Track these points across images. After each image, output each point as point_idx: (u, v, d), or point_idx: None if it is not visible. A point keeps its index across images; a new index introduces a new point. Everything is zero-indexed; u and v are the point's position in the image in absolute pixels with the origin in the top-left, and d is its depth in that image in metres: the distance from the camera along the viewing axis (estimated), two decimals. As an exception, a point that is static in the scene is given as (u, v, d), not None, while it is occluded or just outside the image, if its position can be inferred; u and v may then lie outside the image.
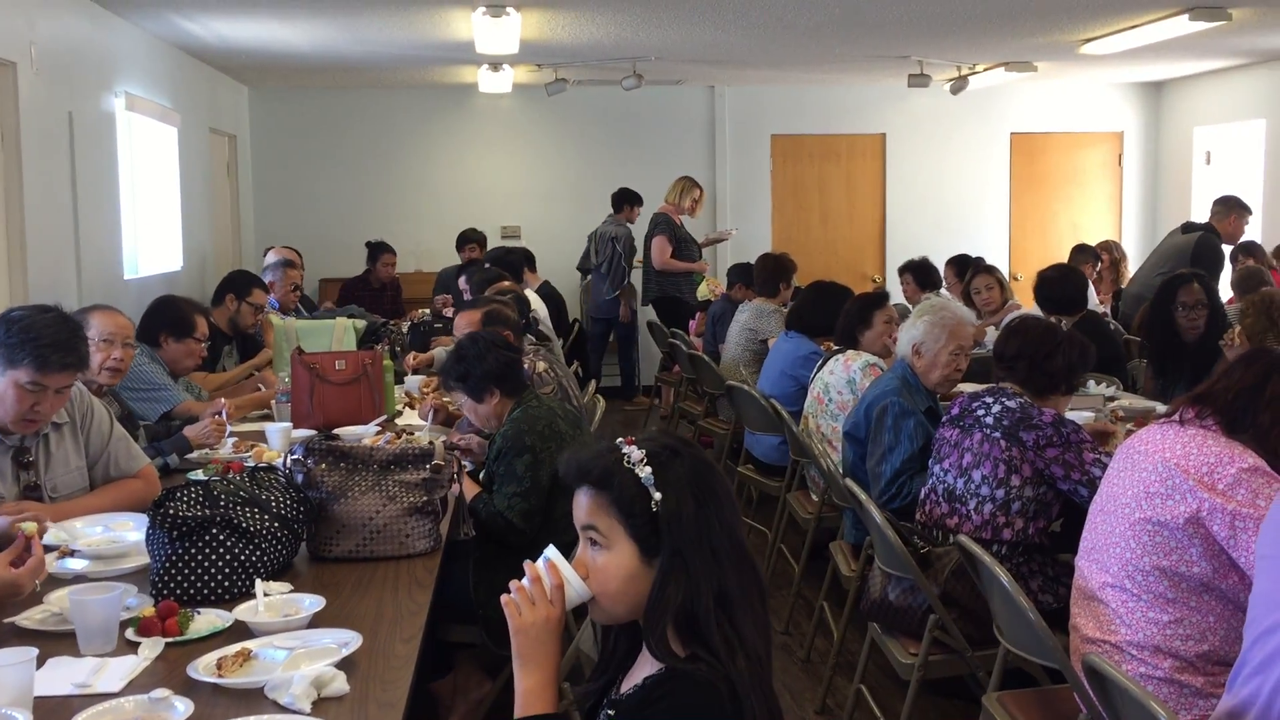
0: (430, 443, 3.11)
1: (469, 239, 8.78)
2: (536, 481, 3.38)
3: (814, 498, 4.72)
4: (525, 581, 1.73)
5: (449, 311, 7.17)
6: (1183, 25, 6.70)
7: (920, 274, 7.74)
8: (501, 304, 4.77)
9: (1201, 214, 10.15)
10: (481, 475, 3.58)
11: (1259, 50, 8.52)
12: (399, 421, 4.60)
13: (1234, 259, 7.76)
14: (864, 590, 3.57)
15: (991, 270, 7.06)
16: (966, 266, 7.40)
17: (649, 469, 1.68)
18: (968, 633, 3.16)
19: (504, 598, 1.74)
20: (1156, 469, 2.55)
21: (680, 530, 1.67)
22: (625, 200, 9.04)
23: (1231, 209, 7.56)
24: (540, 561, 1.74)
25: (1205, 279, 5.15)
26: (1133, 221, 10.70)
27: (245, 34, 7.04)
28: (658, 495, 1.67)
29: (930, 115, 10.34)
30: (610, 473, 1.69)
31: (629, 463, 1.69)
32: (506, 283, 6.19)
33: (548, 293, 7.40)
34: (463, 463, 3.65)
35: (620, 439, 1.75)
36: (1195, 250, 6.95)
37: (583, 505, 1.72)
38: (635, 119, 10.16)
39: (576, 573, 1.71)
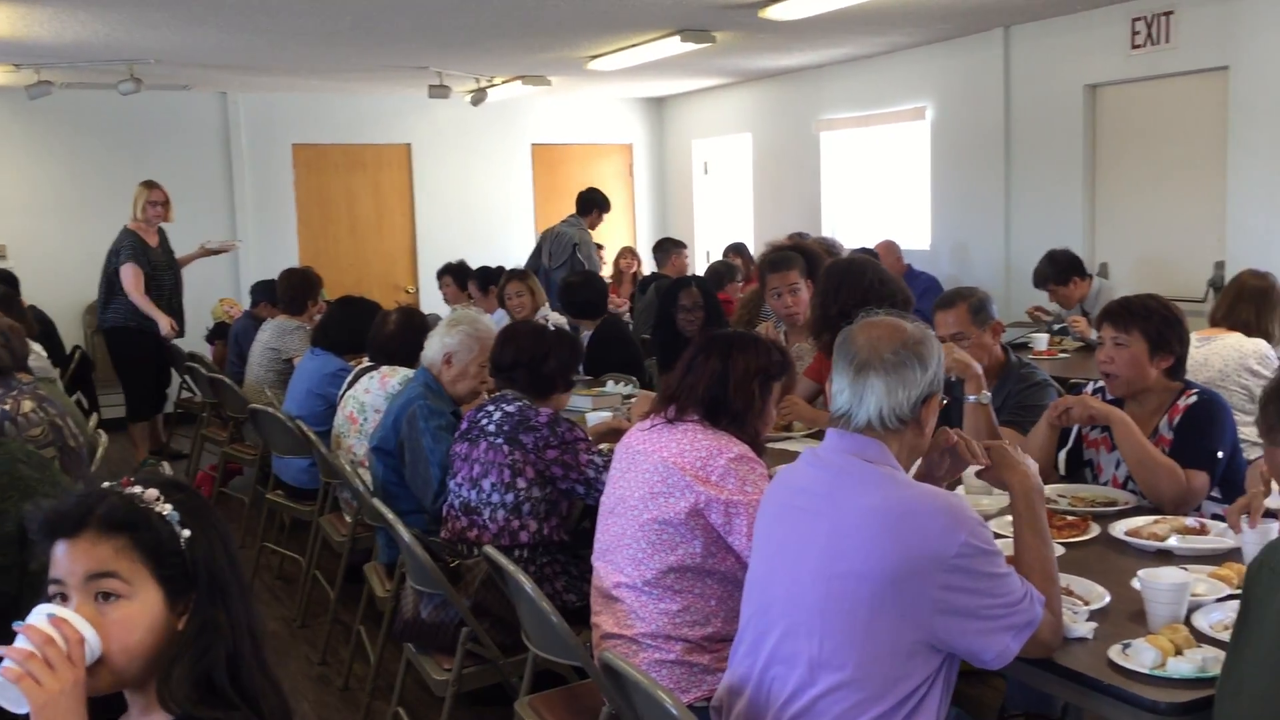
0: None
1: None
2: (1, 534, 2.97)
3: (348, 519, 4.58)
4: (31, 646, 1.44)
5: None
6: (675, 45, 7.25)
7: (461, 276, 7.72)
8: None
9: (703, 219, 11.16)
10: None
11: (743, 70, 9.43)
12: None
13: (727, 255, 8.63)
14: (398, 610, 3.50)
15: (524, 277, 7.08)
16: (492, 279, 7.47)
17: (170, 505, 1.52)
18: (500, 641, 3.19)
19: (6, 670, 1.42)
20: (657, 469, 2.69)
21: (213, 569, 1.54)
22: (595, 205, 8.43)
23: (669, 252, 8.65)
24: (41, 620, 1.46)
25: (704, 283, 5.61)
26: (645, 227, 11.46)
27: None
28: (186, 533, 1.52)
29: (454, 126, 10.46)
30: (126, 513, 1.50)
31: (144, 501, 1.51)
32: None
33: (38, 317, 6.64)
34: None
35: (111, 481, 1.56)
36: (661, 297, 7.73)
37: (89, 554, 1.49)
38: (139, 126, 9.41)
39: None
